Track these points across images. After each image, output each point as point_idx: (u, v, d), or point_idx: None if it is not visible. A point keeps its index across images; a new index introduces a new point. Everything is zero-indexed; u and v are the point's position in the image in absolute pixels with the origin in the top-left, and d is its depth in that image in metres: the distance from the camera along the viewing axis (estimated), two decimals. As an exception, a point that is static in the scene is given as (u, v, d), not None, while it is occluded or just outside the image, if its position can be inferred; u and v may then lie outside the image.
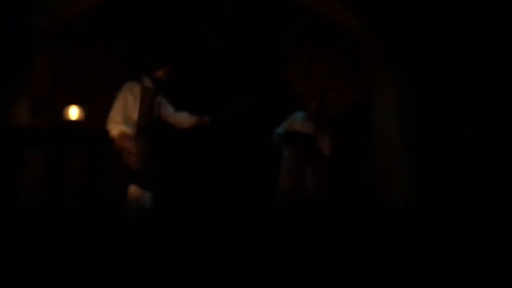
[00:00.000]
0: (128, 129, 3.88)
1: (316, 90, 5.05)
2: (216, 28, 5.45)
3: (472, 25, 4.05)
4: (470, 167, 3.94)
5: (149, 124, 4.01)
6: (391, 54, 4.37)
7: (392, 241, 3.72)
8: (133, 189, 3.89)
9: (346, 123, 5.03)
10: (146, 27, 5.08)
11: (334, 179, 4.55)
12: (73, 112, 4.02)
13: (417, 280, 3.09)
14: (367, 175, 4.70)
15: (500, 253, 3.32)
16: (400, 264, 3.33)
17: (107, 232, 3.52)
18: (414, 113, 4.24)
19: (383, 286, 3.07)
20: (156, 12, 5.03)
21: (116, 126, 3.87)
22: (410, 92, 4.26)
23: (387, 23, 4.26)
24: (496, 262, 3.22)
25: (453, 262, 3.29)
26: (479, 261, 3.24)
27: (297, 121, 4.74)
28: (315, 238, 4.01)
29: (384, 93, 4.59)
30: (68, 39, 4.66)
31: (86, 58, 4.89)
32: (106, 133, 3.81)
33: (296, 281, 3.12)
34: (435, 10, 4.13)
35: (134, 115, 3.95)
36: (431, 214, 3.88)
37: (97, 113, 4.04)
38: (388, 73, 4.50)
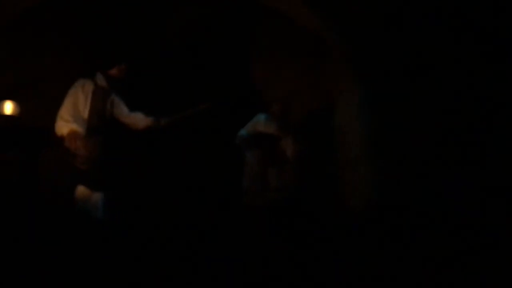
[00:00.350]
0: (78, 128, 3.72)
1: (280, 92, 4.99)
2: (175, 29, 5.33)
3: (438, 28, 4.02)
4: (433, 169, 3.87)
5: (100, 123, 3.85)
6: (354, 57, 4.33)
7: (353, 243, 3.61)
8: (81, 190, 3.72)
9: (309, 125, 4.96)
10: (102, 23, 4.93)
11: (298, 181, 4.48)
12: (7, 107, 3.84)
13: (378, 283, 2.97)
14: (330, 177, 4.61)
15: (463, 255, 3.23)
16: (362, 266, 3.22)
17: (49, 233, 3.32)
18: (377, 116, 4.19)
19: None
20: (112, 8, 4.89)
21: (66, 124, 3.70)
22: (373, 95, 4.22)
23: (352, 26, 4.23)
24: (459, 264, 3.13)
25: (414, 263, 3.19)
26: (441, 264, 3.15)
27: (260, 122, 4.71)
28: (279, 239, 3.89)
29: (347, 95, 4.53)
30: (18, 36, 4.49)
31: (38, 55, 4.71)
32: (45, 130, 3.63)
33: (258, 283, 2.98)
34: (401, 13, 4.10)
35: (85, 113, 3.80)
36: (393, 215, 3.79)
37: (50, 112, 3.86)
38: (352, 75, 4.45)
